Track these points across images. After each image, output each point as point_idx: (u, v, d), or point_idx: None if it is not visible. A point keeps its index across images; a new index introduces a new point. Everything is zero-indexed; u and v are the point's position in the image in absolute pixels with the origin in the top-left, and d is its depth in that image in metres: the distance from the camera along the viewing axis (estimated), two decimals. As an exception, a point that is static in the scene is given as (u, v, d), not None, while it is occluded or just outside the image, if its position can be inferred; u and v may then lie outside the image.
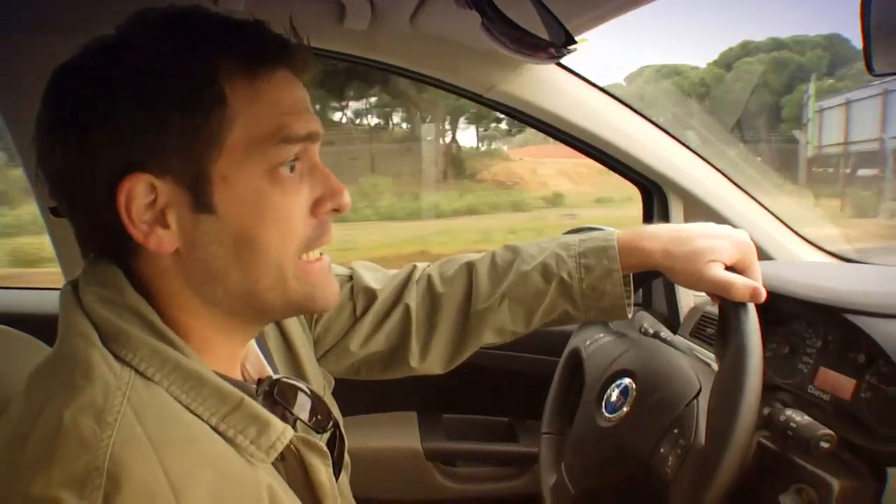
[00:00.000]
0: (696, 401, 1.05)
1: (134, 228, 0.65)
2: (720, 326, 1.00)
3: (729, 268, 0.96)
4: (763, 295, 0.93)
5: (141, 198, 0.65)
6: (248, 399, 0.67)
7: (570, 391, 1.48)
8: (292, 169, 0.70)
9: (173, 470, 0.57)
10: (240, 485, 0.63)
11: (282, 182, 0.68)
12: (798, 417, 0.98)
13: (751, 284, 0.93)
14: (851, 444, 0.98)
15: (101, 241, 0.70)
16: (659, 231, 1.00)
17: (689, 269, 0.95)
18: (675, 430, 1.05)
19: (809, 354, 1.14)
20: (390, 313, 1.05)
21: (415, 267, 1.10)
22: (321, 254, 0.76)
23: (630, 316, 1.02)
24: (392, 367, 1.07)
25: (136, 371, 0.63)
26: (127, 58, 0.65)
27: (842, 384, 1.05)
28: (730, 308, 0.93)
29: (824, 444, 0.93)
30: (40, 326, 1.00)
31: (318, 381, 0.97)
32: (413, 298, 1.06)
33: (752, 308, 0.91)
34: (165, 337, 0.66)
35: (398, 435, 1.87)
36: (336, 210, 0.73)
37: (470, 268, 1.07)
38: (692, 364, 1.16)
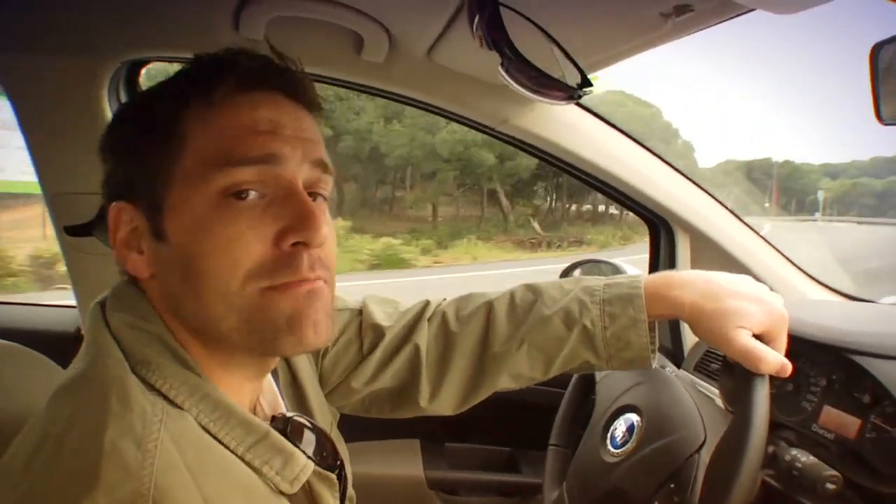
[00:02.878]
0: (697, 454, 1.05)
1: (117, 250, 0.71)
2: (726, 373, 0.99)
3: (757, 335, 0.90)
4: (790, 370, 0.88)
5: (125, 224, 0.70)
6: (273, 431, 0.69)
7: (581, 409, 1.49)
8: (243, 197, 0.66)
9: (213, 497, 0.59)
10: None
11: (231, 209, 0.66)
12: (803, 458, 0.98)
13: (779, 360, 0.88)
14: (856, 484, 0.98)
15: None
16: (691, 281, 0.94)
17: (717, 330, 0.90)
18: (672, 485, 1.04)
19: (814, 393, 1.14)
20: (399, 352, 1.02)
21: (428, 303, 1.07)
22: (305, 280, 0.69)
23: (654, 365, 0.98)
24: (400, 407, 1.04)
25: (167, 399, 0.64)
26: (131, 101, 0.76)
27: (846, 423, 1.05)
28: (746, 375, 0.89)
29: (830, 486, 0.93)
30: (50, 344, 1.01)
31: (325, 416, 0.96)
32: (423, 338, 1.02)
33: (766, 378, 0.88)
34: (190, 366, 0.67)
35: (401, 463, 1.87)
36: (303, 244, 0.67)
37: (488, 308, 1.02)
38: (700, 407, 1.15)
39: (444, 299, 1.08)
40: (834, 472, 0.94)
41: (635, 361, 0.97)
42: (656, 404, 1.21)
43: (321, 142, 0.73)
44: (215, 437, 0.65)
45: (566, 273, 1.86)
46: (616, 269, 1.70)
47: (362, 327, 1.03)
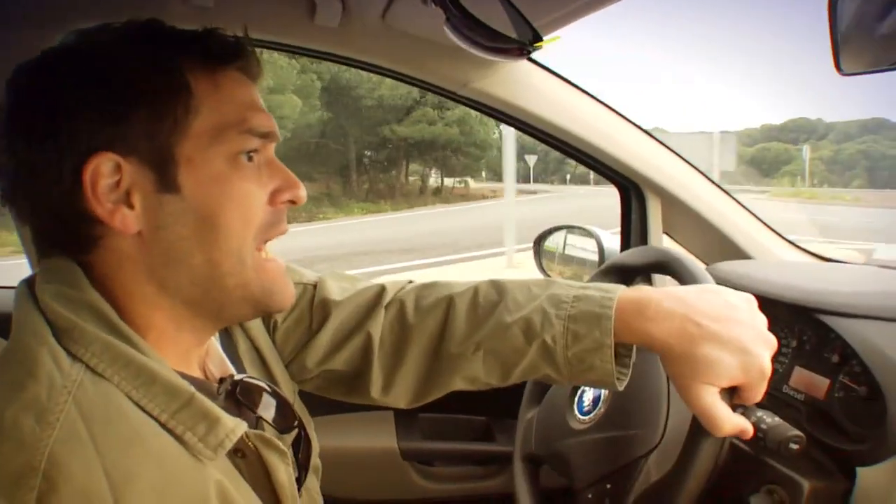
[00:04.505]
0: (644, 460, 1.03)
1: (99, 206, 0.67)
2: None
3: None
4: (750, 434, 0.84)
5: (106, 177, 0.67)
6: (198, 395, 0.67)
7: None
8: (250, 159, 0.73)
9: (115, 470, 0.58)
10: (185, 484, 0.63)
11: (242, 168, 0.72)
12: (769, 419, 0.97)
13: (738, 425, 0.82)
14: (823, 443, 0.99)
15: (61, 234, 0.71)
16: (668, 313, 0.83)
17: (681, 380, 0.82)
18: (608, 486, 1.04)
19: (785, 354, 1.14)
20: (350, 337, 0.98)
21: (384, 289, 1.01)
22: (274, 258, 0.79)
23: (622, 389, 0.90)
24: (353, 393, 1.01)
25: (88, 367, 0.63)
26: (94, 56, 0.70)
27: (816, 383, 1.06)
28: (699, 429, 0.86)
29: (794, 446, 0.92)
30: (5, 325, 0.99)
31: (288, 385, 0.96)
32: (377, 326, 0.97)
33: (718, 440, 0.86)
34: (120, 332, 0.67)
35: (375, 434, 1.85)
36: (292, 202, 0.78)
37: (448, 302, 0.96)
38: (670, 399, 1.11)
39: (404, 286, 1.03)
40: (797, 433, 0.93)
41: (598, 384, 0.90)
42: (626, 392, 1.19)
43: None
44: (138, 405, 0.64)
45: (540, 239, 1.84)
46: (588, 233, 1.69)
47: (314, 302, 0.99)
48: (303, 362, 0.98)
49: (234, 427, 0.68)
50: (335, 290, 1.00)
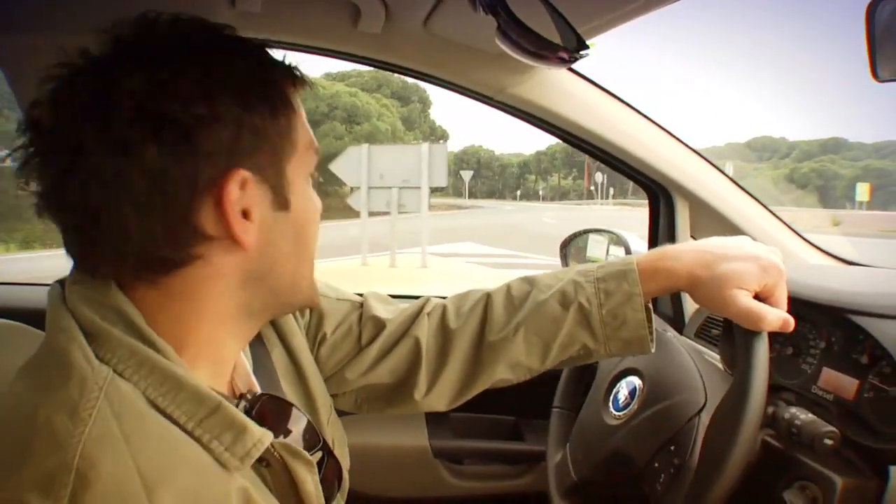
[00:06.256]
0: (698, 417, 1.06)
1: (222, 220, 0.65)
2: (726, 338, 1.00)
3: (757, 294, 0.92)
4: (792, 324, 0.90)
5: (235, 193, 0.65)
6: (225, 403, 0.65)
7: (584, 373, 1.52)
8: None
9: (148, 468, 0.57)
10: (214, 488, 0.62)
11: (311, 184, 0.76)
12: (802, 415, 0.99)
13: (780, 316, 0.90)
14: (855, 442, 0.99)
15: (155, 250, 0.64)
16: (684, 251, 0.96)
17: (715, 296, 0.91)
18: (672, 448, 1.06)
19: (813, 355, 1.15)
20: (397, 345, 1.02)
21: (428, 299, 1.07)
22: None
23: (653, 350, 0.98)
24: (395, 402, 1.04)
25: (114, 371, 0.62)
26: (228, 63, 0.66)
27: (845, 384, 1.06)
28: (743, 334, 0.91)
29: (828, 442, 0.95)
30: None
31: (325, 399, 0.96)
32: (423, 332, 1.02)
33: (765, 336, 0.90)
34: (147, 338, 0.64)
35: (406, 433, 1.89)
36: None
37: (486, 299, 1.03)
38: (702, 371, 1.16)
39: (444, 297, 1.08)
40: (832, 429, 0.95)
41: (633, 343, 0.96)
42: (658, 368, 1.23)
43: None
44: (164, 413, 0.62)
45: (567, 243, 1.86)
46: (618, 238, 1.71)
47: (362, 318, 1.03)
48: (343, 375, 1.01)
49: (262, 437, 0.66)
50: (381, 310, 1.04)
